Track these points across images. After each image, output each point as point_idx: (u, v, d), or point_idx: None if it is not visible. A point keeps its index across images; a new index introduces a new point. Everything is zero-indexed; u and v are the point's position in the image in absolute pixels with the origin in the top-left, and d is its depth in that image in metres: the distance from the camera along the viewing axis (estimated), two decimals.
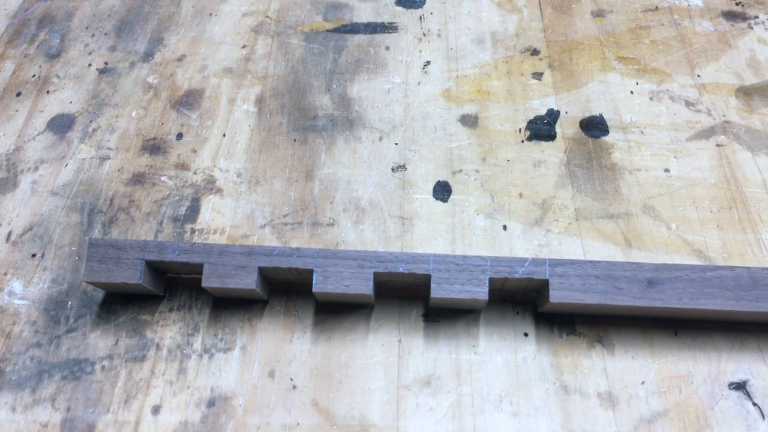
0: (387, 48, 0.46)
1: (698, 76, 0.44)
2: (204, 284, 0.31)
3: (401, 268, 0.30)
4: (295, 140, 0.41)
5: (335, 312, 0.34)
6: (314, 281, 0.30)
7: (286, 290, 0.34)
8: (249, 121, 0.42)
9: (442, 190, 0.38)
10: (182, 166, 0.40)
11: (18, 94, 0.44)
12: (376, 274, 0.31)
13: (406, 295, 0.34)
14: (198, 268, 0.31)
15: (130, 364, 0.32)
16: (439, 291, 0.30)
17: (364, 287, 0.30)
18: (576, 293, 0.30)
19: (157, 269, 0.33)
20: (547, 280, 0.30)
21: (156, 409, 0.31)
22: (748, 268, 0.30)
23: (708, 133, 0.41)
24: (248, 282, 0.30)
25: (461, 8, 0.49)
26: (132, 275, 0.31)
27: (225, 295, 0.33)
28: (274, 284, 0.34)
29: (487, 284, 0.30)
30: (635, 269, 0.30)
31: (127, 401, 0.31)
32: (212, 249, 0.31)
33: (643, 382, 0.31)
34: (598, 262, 0.30)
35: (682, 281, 0.30)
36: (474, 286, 0.30)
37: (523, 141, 0.41)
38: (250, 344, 0.33)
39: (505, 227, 0.37)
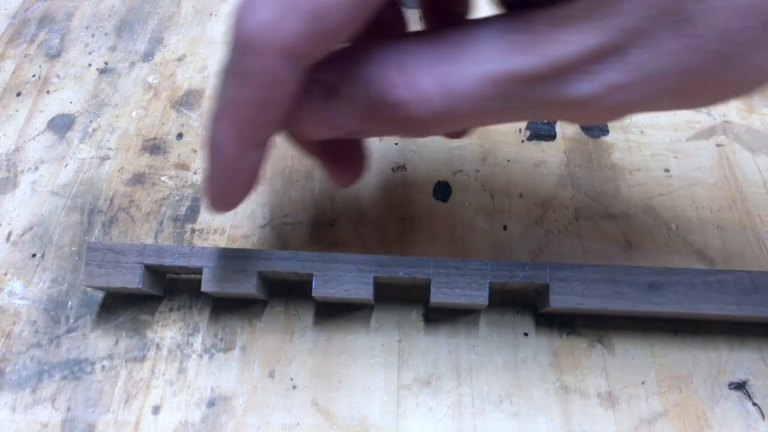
0: None
1: None
2: (204, 288, 0.31)
3: (401, 273, 0.30)
4: None
5: (335, 312, 0.34)
6: (314, 285, 0.30)
7: (286, 290, 0.34)
8: None
9: (442, 191, 0.38)
10: (182, 166, 0.40)
11: (18, 94, 0.44)
12: (375, 278, 0.31)
13: (406, 296, 0.34)
14: (198, 269, 0.31)
15: (130, 364, 0.32)
16: (439, 295, 0.30)
17: (364, 291, 0.30)
18: (577, 297, 0.30)
19: (156, 271, 0.33)
20: (548, 284, 0.30)
21: (156, 409, 0.31)
22: (749, 272, 0.30)
23: (708, 133, 0.41)
24: (248, 286, 0.30)
25: None
26: (131, 279, 0.31)
27: (225, 296, 0.33)
28: (275, 284, 0.34)
29: (488, 288, 0.30)
30: (636, 273, 0.30)
31: (127, 401, 0.31)
32: (211, 253, 0.31)
33: (643, 382, 0.31)
34: (600, 266, 0.30)
35: (683, 285, 0.30)
36: (474, 290, 0.30)
37: (523, 141, 0.41)
38: (250, 344, 0.33)
39: (505, 227, 0.37)
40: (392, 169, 0.39)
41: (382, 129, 0.22)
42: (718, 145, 0.40)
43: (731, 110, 0.42)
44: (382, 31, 0.23)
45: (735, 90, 0.19)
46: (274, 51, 0.18)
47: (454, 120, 0.20)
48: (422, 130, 0.20)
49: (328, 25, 0.18)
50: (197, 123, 0.42)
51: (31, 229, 0.37)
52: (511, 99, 0.19)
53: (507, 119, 0.21)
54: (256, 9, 0.18)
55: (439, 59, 0.19)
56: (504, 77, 0.19)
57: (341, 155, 0.28)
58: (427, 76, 0.19)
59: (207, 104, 0.43)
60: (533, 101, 0.19)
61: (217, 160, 0.22)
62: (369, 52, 0.20)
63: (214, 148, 0.22)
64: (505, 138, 0.41)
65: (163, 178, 0.39)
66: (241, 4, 0.18)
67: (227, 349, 0.33)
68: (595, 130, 0.41)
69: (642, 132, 0.41)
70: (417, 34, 0.21)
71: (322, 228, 0.37)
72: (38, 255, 0.36)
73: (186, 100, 0.44)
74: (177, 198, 0.38)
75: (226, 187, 0.23)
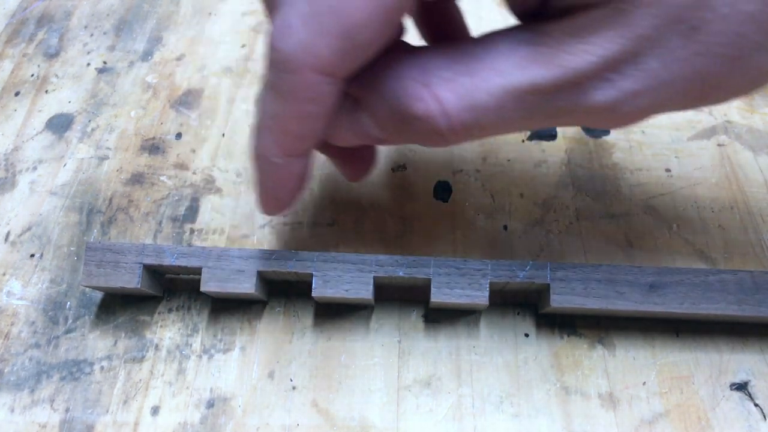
0: None
1: None
2: (203, 288, 0.31)
3: (401, 272, 0.30)
4: None
5: (335, 313, 0.33)
6: (313, 285, 0.30)
7: (285, 290, 0.34)
8: (249, 121, 0.42)
9: (443, 190, 0.38)
10: (181, 166, 0.40)
11: (16, 94, 0.44)
12: (375, 278, 0.30)
13: (406, 296, 0.34)
14: (197, 269, 0.31)
15: (129, 365, 0.32)
16: (439, 295, 0.30)
17: (364, 291, 0.30)
18: (577, 297, 0.30)
19: (155, 271, 0.32)
20: (549, 284, 0.30)
21: (155, 410, 0.31)
22: (751, 272, 0.30)
23: (709, 132, 0.41)
24: (247, 286, 0.30)
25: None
26: (130, 279, 0.31)
27: (224, 296, 0.33)
28: (274, 284, 0.34)
29: (488, 288, 0.30)
30: (637, 273, 0.30)
31: (126, 402, 0.31)
32: (210, 253, 0.31)
33: (644, 383, 0.31)
34: (600, 265, 0.30)
35: (684, 285, 0.30)
36: (474, 290, 0.30)
37: (523, 141, 0.41)
38: (250, 345, 0.32)
39: (505, 227, 0.37)
40: (392, 169, 0.39)
41: (406, 139, 0.23)
42: (719, 145, 0.40)
43: (732, 110, 0.42)
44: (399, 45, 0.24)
45: (741, 89, 0.20)
46: (313, 69, 0.19)
47: (477, 131, 0.21)
48: (445, 141, 0.21)
49: (359, 41, 0.19)
50: (196, 122, 0.42)
51: (29, 229, 0.37)
52: (530, 109, 0.20)
53: (529, 127, 0.22)
54: (293, 31, 0.19)
55: (458, 73, 0.20)
56: (523, 89, 0.19)
57: (355, 154, 0.29)
58: (448, 90, 0.20)
59: (206, 104, 0.43)
60: (553, 110, 0.20)
61: (265, 169, 0.24)
62: (392, 67, 0.21)
63: (261, 158, 0.24)
64: (505, 138, 0.41)
65: (162, 178, 0.39)
66: (278, 26, 0.19)
67: (226, 350, 0.32)
68: (596, 130, 0.41)
69: (643, 132, 0.41)
70: (435, 47, 0.22)
71: (322, 228, 0.37)
72: (37, 255, 0.36)
73: (185, 100, 0.43)
74: (176, 198, 0.38)
75: (276, 193, 0.25)
